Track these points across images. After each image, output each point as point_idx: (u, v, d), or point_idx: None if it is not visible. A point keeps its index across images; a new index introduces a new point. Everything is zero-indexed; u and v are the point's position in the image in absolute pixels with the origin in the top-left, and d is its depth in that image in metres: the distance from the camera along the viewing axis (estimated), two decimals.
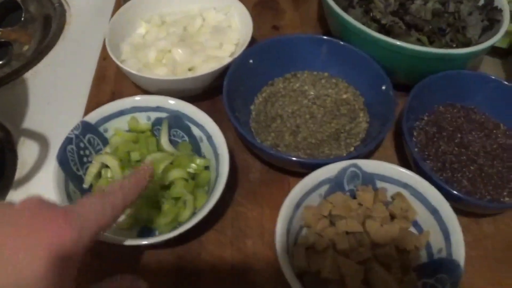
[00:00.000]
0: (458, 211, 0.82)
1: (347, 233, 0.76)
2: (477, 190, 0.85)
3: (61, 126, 0.83)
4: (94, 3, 1.21)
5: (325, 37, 0.97)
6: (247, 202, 0.86)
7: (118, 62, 0.89)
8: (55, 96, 1.02)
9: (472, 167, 0.87)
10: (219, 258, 0.80)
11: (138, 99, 0.85)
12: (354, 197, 0.80)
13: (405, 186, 0.79)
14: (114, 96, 0.97)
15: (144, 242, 0.71)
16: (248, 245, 0.82)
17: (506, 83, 0.93)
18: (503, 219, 0.88)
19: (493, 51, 1.13)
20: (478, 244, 0.85)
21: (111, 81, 1.02)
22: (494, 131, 0.93)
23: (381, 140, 0.85)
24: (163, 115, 0.85)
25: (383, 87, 0.90)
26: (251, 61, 0.92)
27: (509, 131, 0.93)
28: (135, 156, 0.82)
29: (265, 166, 0.89)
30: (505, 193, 0.86)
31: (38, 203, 0.52)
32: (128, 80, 0.97)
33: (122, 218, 0.77)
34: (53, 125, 0.94)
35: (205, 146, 0.83)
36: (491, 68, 1.13)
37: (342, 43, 0.95)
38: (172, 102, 0.84)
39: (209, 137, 0.82)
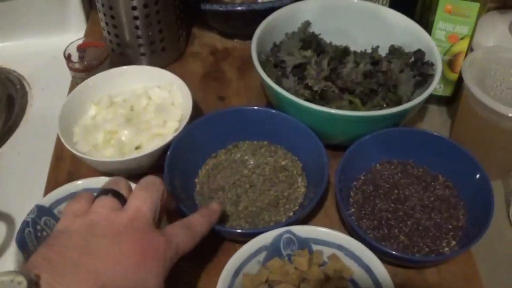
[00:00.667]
0: (400, 264, 0.85)
1: None
2: (415, 244, 0.88)
3: (27, 205, 0.87)
4: (54, 83, 1.25)
5: (261, 108, 1.01)
6: (193, 270, 0.88)
7: (67, 145, 0.93)
8: (19, 176, 1.06)
9: (408, 222, 0.90)
10: None
11: (87, 182, 0.89)
12: (292, 261, 0.83)
13: (339, 247, 0.82)
14: (70, 176, 1.01)
15: None
16: None
17: (439, 135, 0.96)
18: (448, 268, 0.90)
19: (439, 100, 1.17)
20: None
21: (67, 161, 1.05)
22: (432, 183, 0.96)
23: (316, 204, 0.87)
24: None
25: (317, 152, 0.93)
26: (185, 140, 0.96)
27: (447, 182, 0.96)
28: None
29: (209, 235, 0.92)
30: (444, 244, 0.89)
31: (144, 226, 0.69)
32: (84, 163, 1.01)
33: None
34: (18, 204, 0.98)
35: None
36: (437, 117, 1.17)
37: (276, 112, 0.99)
38: None
39: None
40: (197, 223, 0.76)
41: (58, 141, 1.07)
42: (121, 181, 0.76)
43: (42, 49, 1.34)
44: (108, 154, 0.97)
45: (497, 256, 0.94)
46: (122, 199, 0.72)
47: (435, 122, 1.17)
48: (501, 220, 0.99)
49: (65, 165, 1.05)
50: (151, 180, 0.76)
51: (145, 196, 0.72)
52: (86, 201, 0.72)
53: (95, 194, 0.74)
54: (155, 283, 0.66)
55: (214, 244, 0.92)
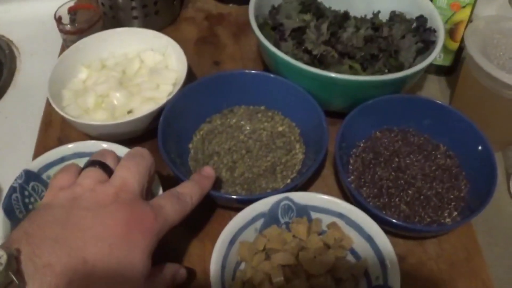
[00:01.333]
0: (400, 235, 0.83)
1: (283, 266, 0.76)
2: (416, 214, 0.86)
3: (14, 171, 0.84)
4: (43, 48, 1.22)
5: (258, 72, 0.98)
6: (189, 238, 0.87)
7: (57, 109, 0.90)
8: (7, 142, 1.04)
9: (410, 191, 0.88)
10: None
11: (77, 145, 0.86)
12: (290, 229, 0.81)
13: (340, 215, 0.80)
14: (60, 142, 0.98)
15: None
16: (191, 280, 0.82)
17: (442, 104, 0.94)
18: (448, 239, 0.88)
19: (438, 69, 1.15)
20: (422, 266, 0.85)
21: (57, 127, 1.03)
22: (433, 152, 0.94)
23: (314, 171, 0.85)
24: None
25: (316, 117, 0.90)
26: (179, 104, 0.93)
27: (449, 151, 0.94)
28: None
29: (205, 202, 0.90)
30: (445, 214, 0.87)
31: (130, 198, 0.67)
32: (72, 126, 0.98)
33: None
34: (5, 171, 0.95)
35: None
36: (436, 86, 1.15)
37: (273, 76, 0.96)
38: (108, 146, 0.86)
39: None
40: (188, 192, 0.74)
41: (47, 106, 1.05)
42: (109, 153, 0.74)
43: (31, 14, 1.31)
44: (99, 118, 0.94)
45: (497, 229, 0.92)
46: (109, 171, 0.70)
47: (434, 92, 1.14)
48: (501, 193, 0.97)
49: (55, 131, 1.02)
50: (138, 151, 0.74)
51: (132, 167, 0.70)
52: (72, 173, 0.70)
53: (81, 166, 0.73)
54: (140, 257, 0.65)
55: (209, 212, 0.90)
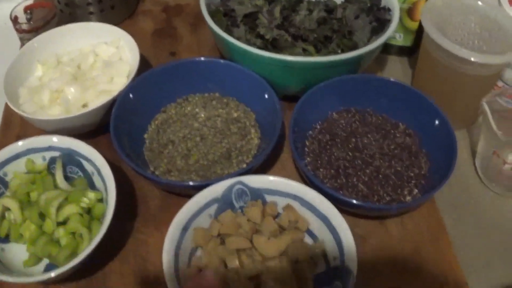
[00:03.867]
0: (361, 215, 0.82)
1: (238, 250, 0.75)
2: (375, 193, 0.85)
3: None
4: (1, 50, 1.21)
5: (208, 58, 0.98)
6: (147, 229, 0.86)
7: (13, 107, 0.90)
8: None
9: (367, 170, 0.87)
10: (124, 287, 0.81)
11: (29, 142, 0.86)
12: (244, 214, 0.80)
13: (294, 197, 0.79)
14: (19, 140, 0.98)
15: (39, 278, 0.73)
16: (151, 271, 0.82)
17: (397, 81, 0.93)
18: (411, 219, 0.88)
19: (399, 50, 1.14)
20: (385, 246, 0.85)
21: (16, 126, 1.02)
22: (392, 131, 0.93)
23: (269, 155, 0.84)
24: (57, 153, 0.86)
25: (271, 102, 0.90)
26: (131, 95, 0.93)
27: (408, 130, 0.93)
28: (33, 196, 0.83)
29: (163, 192, 0.90)
30: (406, 192, 0.86)
31: None
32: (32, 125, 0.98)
33: (26, 256, 0.80)
34: None
35: (97, 180, 0.84)
36: (398, 68, 1.14)
37: (224, 62, 0.96)
38: (59, 140, 0.86)
39: (98, 171, 0.83)
40: None
41: (6, 105, 1.04)
42: None
43: None
44: (54, 114, 0.93)
45: (463, 207, 0.91)
46: None
47: (396, 73, 1.14)
48: (467, 170, 0.97)
49: (14, 130, 1.02)
50: None
51: None
52: None
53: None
54: None
55: (166, 200, 0.89)
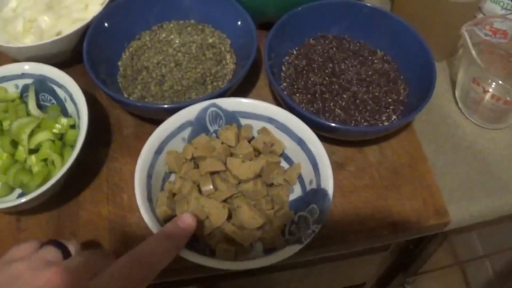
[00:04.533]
0: (339, 141, 0.82)
1: (212, 174, 0.75)
2: (352, 118, 0.84)
3: None
4: None
5: None
6: (121, 157, 0.86)
7: None
8: None
9: (344, 95, 0.86)
10: (97, 215, 0.80)
11: (1, 69, 0.86)
12: (219, 137, 0.79)
13: (270, 120, 0.78)
14: None
15: (9, 204, 0.72)
16: (124, 199, 0.82)
17: (375, 6, 0.92)
18: (390, 146, 0.88)
19: None
20: (363, 173, 0.85)
21: None
22: (370, 57, 0.92)
23: (243, 79, 0.83)
24: (29, 81, 0.85)
25: (247, 27, 0.88)
26: (105, 22, 0.91)
27: (386, 56, 0.92)
28: (6, 125, 0.82)
29: (138, 120, 0.89)
30: (383, 118, 0.85)
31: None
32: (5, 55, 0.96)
33: None
34: None
35: (70, 106, 0.83)
36: None
37: None
38: (31, 67, 0.85)
39: (71, 96, 0.82)
40: (149, 259, 0.59)
41: None
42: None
43: None
44: (28, 42, 0.92)
45: (444, 137, 0.91)
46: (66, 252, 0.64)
47: (375, 2, 1.11)
48: (447, 101, 0.96)
49: None
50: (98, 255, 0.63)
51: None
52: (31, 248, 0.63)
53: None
54: None
55: (140, 130, 0.89)
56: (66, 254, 0.64)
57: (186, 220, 0.64)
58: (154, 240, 0.60)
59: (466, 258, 1.54)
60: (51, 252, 0.62)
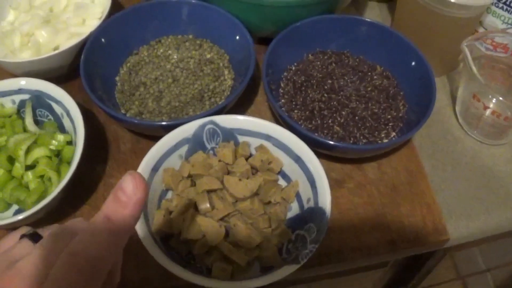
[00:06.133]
0: (337, 158, 0.82)
1: (209, 192, 0.74)
2: (351, 135, 0.84)
3: None
4: None
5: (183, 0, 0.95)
6: (118, 173, 0.85)
7: None
8: None
9: (343, 112, 0.86)
10: None
11: None
12: (216, 155, 0.79)
13: (267, 137, 0.78)
14: None
15: (7, 221, 0.71)
16: None
17: (375, 22, 0.91)
18: (389, 163, 0.87)
19: None
20: (362, 190, 0.84)
21: None
22: (370, 73, 0.92)
23: (241, 95, 0.83)
24: (26, 96, 0.85)
25: (245, 43, 0.88)
26: (102, 36, 0.91)
27: (386, 72, 0.92)
28: (2, 141, 0.82)
29: (135, 136, 0.88)
30: (383, 135, 0.85)
31: None
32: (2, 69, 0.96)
33: None
34: None
35: (66, 122, 0.83)
36: (377, 13, 1.12)
37: (198, 2, 0.94)
38: (27, 82, 0.85)
39: (68, 113, 0.81)
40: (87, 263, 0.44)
41: None
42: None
43: None
44: (25, 57, 0.91)
45: (444, 153, 0.90)
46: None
47: (375, 19, 1.11)
48: (447, 116, 0.95)
49: None
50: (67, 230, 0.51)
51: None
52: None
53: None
54: None
55: (137, 146, 0.89)
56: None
57: (127, 189, 0.45)
58: (88, 234, 0.46)
59: (468, 272, 1.53)
60: (25, 249, 0.51)
